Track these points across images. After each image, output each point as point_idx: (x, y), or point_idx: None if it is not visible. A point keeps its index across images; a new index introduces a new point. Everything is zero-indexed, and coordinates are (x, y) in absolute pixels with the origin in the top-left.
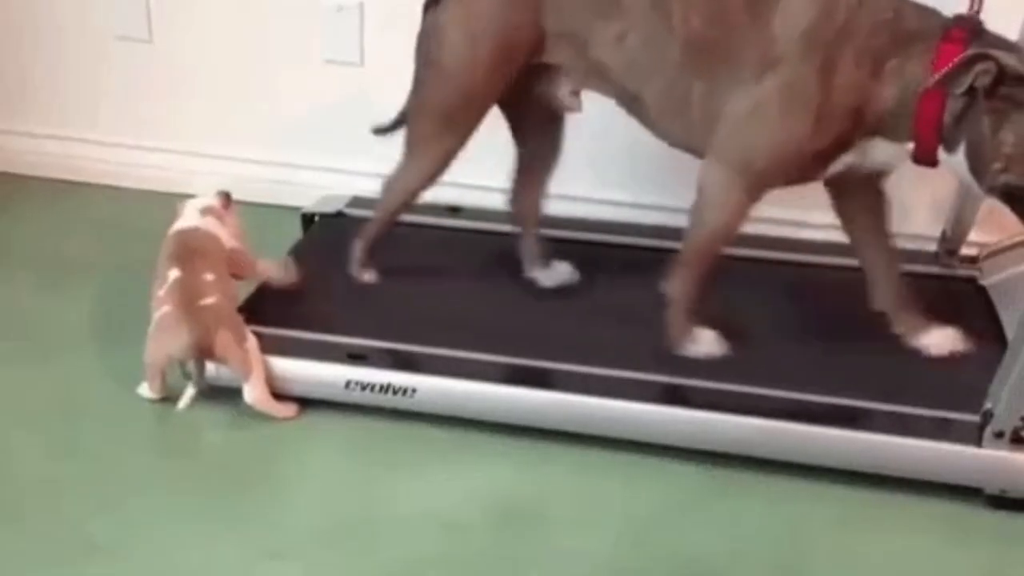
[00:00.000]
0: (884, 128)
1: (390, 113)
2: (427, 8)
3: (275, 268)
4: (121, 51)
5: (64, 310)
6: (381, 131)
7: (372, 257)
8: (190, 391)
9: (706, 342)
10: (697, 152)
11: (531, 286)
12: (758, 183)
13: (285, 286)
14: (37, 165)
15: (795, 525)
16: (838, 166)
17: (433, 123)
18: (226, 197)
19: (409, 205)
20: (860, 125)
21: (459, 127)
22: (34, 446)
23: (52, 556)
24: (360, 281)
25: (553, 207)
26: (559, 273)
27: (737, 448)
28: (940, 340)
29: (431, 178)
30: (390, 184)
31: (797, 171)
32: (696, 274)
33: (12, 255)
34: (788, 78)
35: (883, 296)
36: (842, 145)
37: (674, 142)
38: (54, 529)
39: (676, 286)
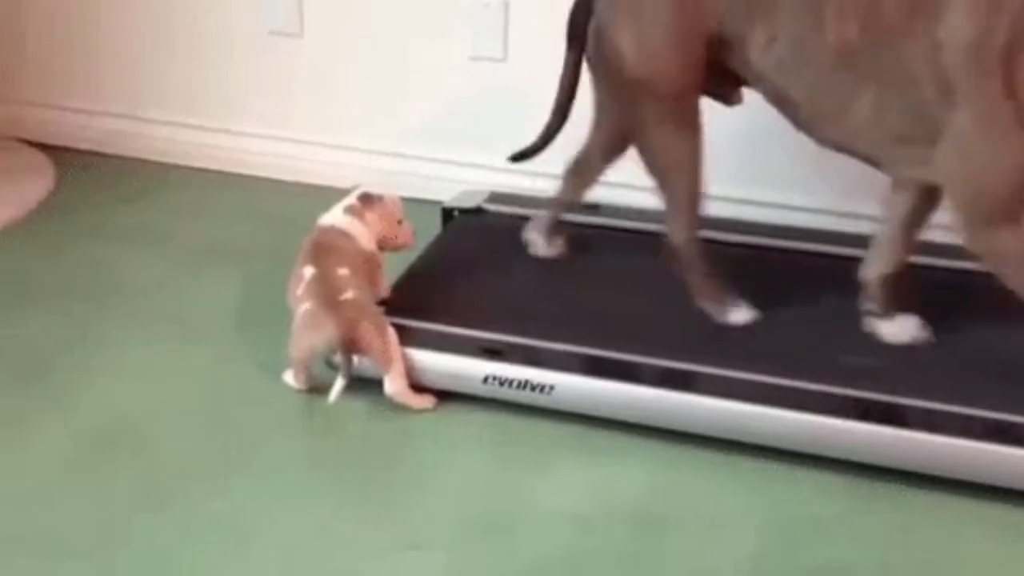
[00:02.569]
0: None
1: (533, 109)
2: (576, 15)
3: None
4: (273, 46)
5: (217, 295)
6: (518, 158)
7: (724, 289)
8: (340, 383)
9: None
10: (856, 155)
11: (674, 287)
12: (1016, 213)
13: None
14: (205, 157)
15: (945, 539)
16: None
17: (662, 136)
18: (365, 198)
19: (696, 222)
20: None
21: (684, 126)
22: (180, 425)
23: (191, 534)
24: (733, 321)
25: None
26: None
27: (885, 460)
28: (899, 329)
29: (694, 187)
30: (668, 220)
31: None
32: None
33: (169, 240)
34: (977, 104)
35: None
36: None
37: (828, 143)
38: (194, 508)
39: None
